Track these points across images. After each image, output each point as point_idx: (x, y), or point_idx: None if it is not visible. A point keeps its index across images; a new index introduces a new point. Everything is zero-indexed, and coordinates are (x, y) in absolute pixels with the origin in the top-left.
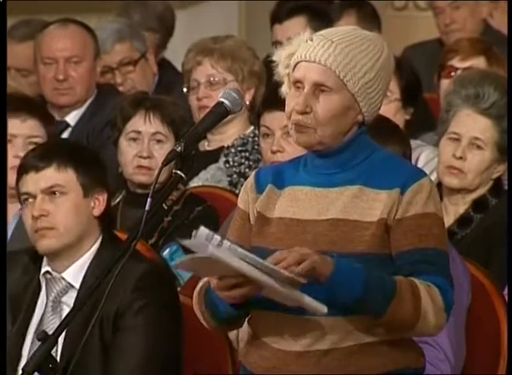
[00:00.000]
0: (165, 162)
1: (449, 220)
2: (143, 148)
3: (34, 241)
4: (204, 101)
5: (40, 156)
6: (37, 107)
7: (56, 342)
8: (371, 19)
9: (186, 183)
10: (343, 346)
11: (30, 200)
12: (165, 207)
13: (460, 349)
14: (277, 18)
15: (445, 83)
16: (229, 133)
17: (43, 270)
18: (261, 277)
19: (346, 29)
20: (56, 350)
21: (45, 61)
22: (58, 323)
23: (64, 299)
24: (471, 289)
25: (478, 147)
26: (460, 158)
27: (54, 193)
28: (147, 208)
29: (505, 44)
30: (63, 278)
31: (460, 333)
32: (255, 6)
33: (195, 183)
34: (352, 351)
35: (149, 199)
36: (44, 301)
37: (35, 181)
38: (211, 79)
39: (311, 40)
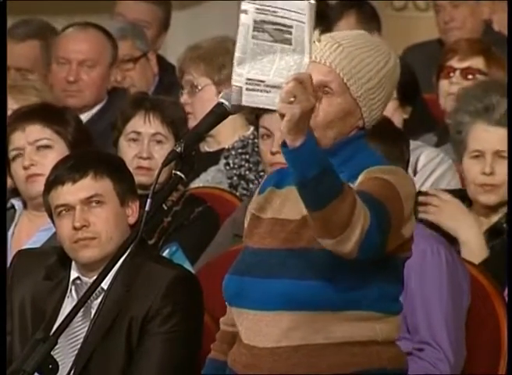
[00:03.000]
0: (165, 163)
1: (481, 230)
2: (143, 148)
3: (74, 251)
4: (188, 106)
5: (74, 167)
6: (32, 112)
7: (56, 343)
8: (370, 20)
9: (186, 184)
10: (314, 343)
11: (66, 212)
12: (165, 208)
13: (459, 349)
14: None
15: (444, 84)
16: (226, 134)
17: (73, 277)
18: None
19: (355, 33)
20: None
21: (59, 60)
22: (87, 327)
23: (95, 304)
24: (471, 290)
25: (503, 157)
26: (491, 173)
27: (93, 203)
28: (147, 208)
29: (505, 45)
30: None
31: (460, 334)
32: None
33: (196, 184)
34: (323, 348)
35: (149, 200)
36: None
37: (73, 192)
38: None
39: (319, 41)
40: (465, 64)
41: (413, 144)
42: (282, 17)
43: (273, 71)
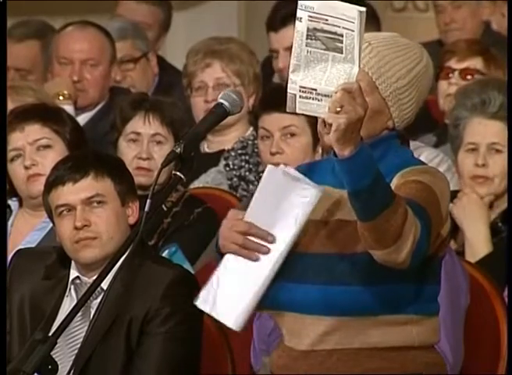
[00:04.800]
0: (165, 164)
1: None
2: (142, 149)
3: (75, 251)
4: (214, 103)
5: (74, 167)
6: (29, 112)
7: (55, 343)
8: (371, 20)
9: (186, 185)
10: (349, 347)
11: (67, 212)
12: (165, 208)
13: (458, 349)
14: (272, 26)
15: (443, 85)
16: (231, 137)
17: (72, 276)
18: None
19: (387, 34)
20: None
21: (61, 60)
22: (86, 327)
23: (94, 304)
24: (470, 290)
25: (497, 151)
26: (483, 165)
27: (94, 203)
28: (146, 209)
29: (504, 45)
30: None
31: (459, 334)
32: (255, 7)
33: (195, 185)
34: (357, 353)
35: (148, 200)
36: (72, 306)
37: (74, 192)
38: (221, 82)
39: None
40: (464, 65)
41: (412, 144)
42: (333, 25)
43: (324, 80)
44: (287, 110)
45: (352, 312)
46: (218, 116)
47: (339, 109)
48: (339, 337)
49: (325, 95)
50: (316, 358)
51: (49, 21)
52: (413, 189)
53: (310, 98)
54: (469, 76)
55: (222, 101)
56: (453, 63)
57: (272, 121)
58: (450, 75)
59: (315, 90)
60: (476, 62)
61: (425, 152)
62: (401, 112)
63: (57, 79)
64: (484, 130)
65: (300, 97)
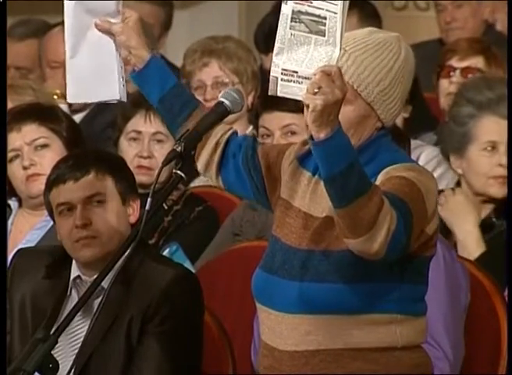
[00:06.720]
0: (165, 162)
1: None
2: (143, 147)
3: (75, 250)
4: (213, 102)
5: (75, 166)
6: (25, 112)
7: (56, 342)
8: (372, 19)
9: (187, 183)
10: (332, 348)
11: (68, 210)
12: (166, 207)
13: (458, 348)
14: (260, 48)
15: (443, 83)
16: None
17: (73, 275)
18: None
19: (360, 34)
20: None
21: (52, 64)
22: (87, 326)
23: (95, 303)
24: (471, 289)
25: None
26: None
27: (95, 201)
28: (147, 208)
29: (506, 44)
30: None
31: (459, 332)
32: (255, 7)
33: (196, 184)
34: (341, 354)
35: (149, 199)
36: (73, 305)
37: (75, 191)
38: (219, 80)
39: None
40: (465, 63)
41: (413, 143)
42: (317, 8)
43: (306, 62)
44: (269, 93)
45: (334, 310)
46: (218, 114)
47: (316, 91)
48: (322, 338)
49: (306, 78)
50: (300, 359)
51: (49, 20)
52: (396, 184)
53: (291, 80)
54: (470, 75)
55: (222, 99)
56: (454, 62)
57: (273, 120)
58: (451, 74)
59: (296, 72)
60: (477, 61)
61: (426, 151)
62: (388, 111)
63: (49, 81)
64: (501, 129)
65: (281, 80)
